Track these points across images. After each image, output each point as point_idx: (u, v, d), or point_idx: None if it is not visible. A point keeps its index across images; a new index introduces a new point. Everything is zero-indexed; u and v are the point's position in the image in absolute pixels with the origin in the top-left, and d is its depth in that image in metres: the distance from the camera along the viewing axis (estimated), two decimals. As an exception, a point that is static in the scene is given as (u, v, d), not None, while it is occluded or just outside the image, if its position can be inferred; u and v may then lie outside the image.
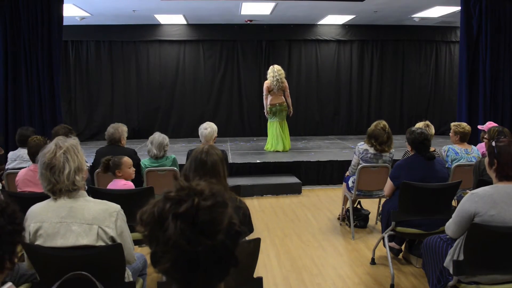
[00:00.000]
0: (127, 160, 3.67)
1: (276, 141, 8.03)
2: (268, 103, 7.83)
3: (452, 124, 4.74)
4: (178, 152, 7.24)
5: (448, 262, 2.58)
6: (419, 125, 4.59)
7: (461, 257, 2.50)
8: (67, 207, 2.08)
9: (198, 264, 0.94)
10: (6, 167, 4.44)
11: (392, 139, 4.62)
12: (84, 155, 2.23)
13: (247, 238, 2.42)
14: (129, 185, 3.60)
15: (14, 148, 4.80)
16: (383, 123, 4.62)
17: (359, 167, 4.54)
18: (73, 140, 2.20)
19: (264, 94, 7.88)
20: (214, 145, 3.07)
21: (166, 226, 0.93)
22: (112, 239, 2.10)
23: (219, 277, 0.99)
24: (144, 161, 4.46)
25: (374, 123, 4.65)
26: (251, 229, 2.57)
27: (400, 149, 7.30)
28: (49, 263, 2.08)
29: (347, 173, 4.94)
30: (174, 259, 0.94)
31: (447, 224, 2.63)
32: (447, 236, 2.69)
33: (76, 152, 2.14)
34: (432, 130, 4.67)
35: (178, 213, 0.93)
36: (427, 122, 4.78)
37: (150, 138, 4.46)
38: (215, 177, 2.35)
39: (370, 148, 4.57)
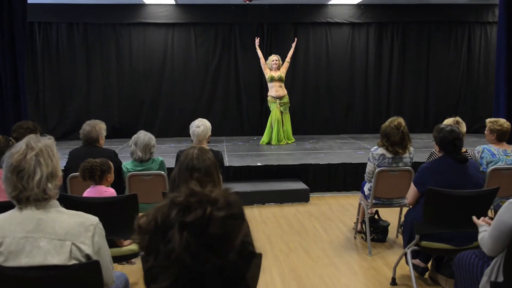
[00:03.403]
0: (110, 162, 3.69)
1: (266, 133, 8.96)
2: (269, 94, 8.85)
3: (487, 120, 4.73)
4: (166, 153, 7.22)
5: (484, 284, 2.56)
6: (448, 121, 4.58)
7: (500, 279, 2.48)
8: (35, 219, 2.05)
9: (202, 285, 0.93)
10: None
11: (408, 140, 4.57)
12: (59, 158, 2.21)
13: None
14: (111, 191, 3.59)
15: None
16: (399, 120, 4.57)
17: (376, 170, 4.53)
18: (48, 140, 2.16)
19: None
20: (204, 147, 3.06)
21: (170, 236, 0.92)
22: (87, 257, 2.08)
23: None
24: (126, 164, 4.46)
25: (390, 119, 4.63)
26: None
27: (425, 150, 7.30)
28: (11, 286, 2.05)
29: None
30: (175, 277, 0.92)
31: (483, 239, 2.61)
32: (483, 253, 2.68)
33: (50, 155, 2.10)
34: (464, 127, 4.65)
35: (186, 222, 0.92)
36: (458, 118, 4.76)
37: (134, 138, 4.44)
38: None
39: (386, 152, 4.55)
